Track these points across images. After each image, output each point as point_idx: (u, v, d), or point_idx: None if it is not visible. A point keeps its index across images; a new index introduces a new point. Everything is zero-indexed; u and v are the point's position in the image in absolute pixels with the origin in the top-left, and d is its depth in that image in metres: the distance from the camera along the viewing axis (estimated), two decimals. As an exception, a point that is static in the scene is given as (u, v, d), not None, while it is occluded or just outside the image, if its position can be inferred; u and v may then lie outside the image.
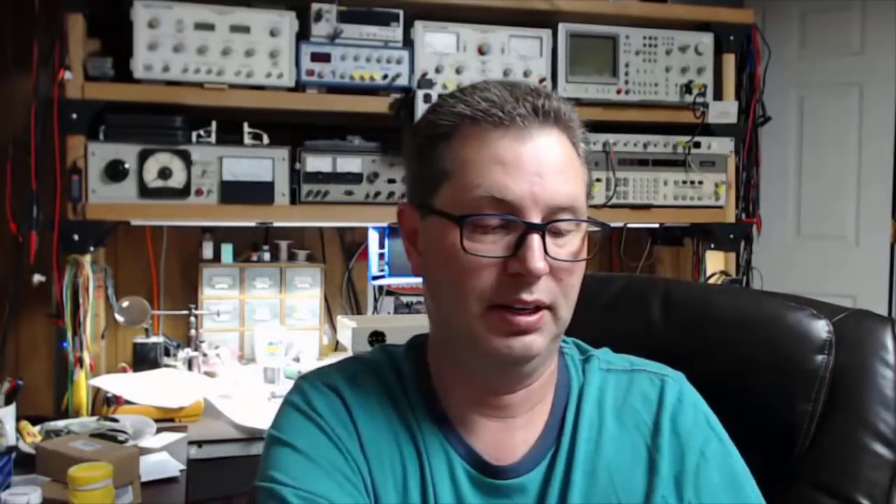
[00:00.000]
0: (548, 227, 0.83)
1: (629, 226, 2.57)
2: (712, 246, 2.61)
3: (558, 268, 0.84)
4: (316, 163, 2.26)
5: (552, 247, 0.83)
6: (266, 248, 2.62)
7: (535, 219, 0.82)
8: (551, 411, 0.92)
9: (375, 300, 2.76)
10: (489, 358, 0.86)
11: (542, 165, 0.83)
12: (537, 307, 0.83)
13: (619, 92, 2.46)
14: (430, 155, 0.87)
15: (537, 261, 0.81)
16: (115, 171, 2.11)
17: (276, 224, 2.52)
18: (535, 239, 0.82)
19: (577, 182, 0.86)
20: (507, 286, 0.83)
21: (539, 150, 0.84)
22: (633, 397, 0.92)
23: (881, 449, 0.86)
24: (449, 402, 0.91)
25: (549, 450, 0.90)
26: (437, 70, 2.32)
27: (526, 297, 0.82)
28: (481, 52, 2.35)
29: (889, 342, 0.90)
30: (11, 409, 1.77)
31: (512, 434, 0.90)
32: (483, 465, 0.88)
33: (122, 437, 1.80)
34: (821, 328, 0.89)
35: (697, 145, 2.52)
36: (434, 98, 2.25)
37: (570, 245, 0.85)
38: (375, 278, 2.69)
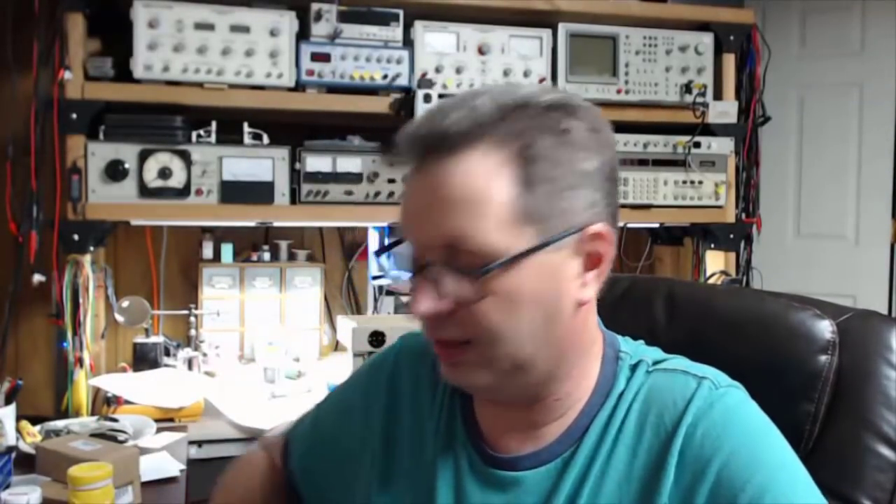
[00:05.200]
0: (426, 268, 0.79)
1: (629, 226, 2.57)
2: (712, 246, 2.61)
3: (460, 304, 0.78)
4: (316, 163, 2.26)
5: (448, 284, 0.78)
6: (266, 247, 2.62)
7: (427, 259, 0.80)
8: (578, 418, 0.86)
9: (375, 300, 2.75)
10: None
11: (421, 204, 0.79)
12: (455, 342, 0.81)
13: (619, 92, 2.45)
14: None
15: (418, 305, 0.79)
16: (114, 171, 2.11)
17: (276, 224, 2.51)
18: (417, 281, 0.79)
19: (463, 214, 0.76)
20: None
21: (425, 186, 0.78)
22: (664, 400, 0.83)
23: (885, 451, 0.86)
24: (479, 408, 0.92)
25: (563, 454, 0.85)
26: (438, 70, 2.32)
27: (431, 335, 0.82)
28: (481, 51, 2.35)
29: (894, 343, 0.90)
30: (11, 409, 1.77)
31: (529, 433, 0.87)
32: (483, 452, 0.88)
33: (122, 437, 1.79)
34: (824, 328, 0.89)
35: (697, 145, 2.52)
36: (434, 98, 2.25)
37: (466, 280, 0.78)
38: (375, 278, 2.69)
